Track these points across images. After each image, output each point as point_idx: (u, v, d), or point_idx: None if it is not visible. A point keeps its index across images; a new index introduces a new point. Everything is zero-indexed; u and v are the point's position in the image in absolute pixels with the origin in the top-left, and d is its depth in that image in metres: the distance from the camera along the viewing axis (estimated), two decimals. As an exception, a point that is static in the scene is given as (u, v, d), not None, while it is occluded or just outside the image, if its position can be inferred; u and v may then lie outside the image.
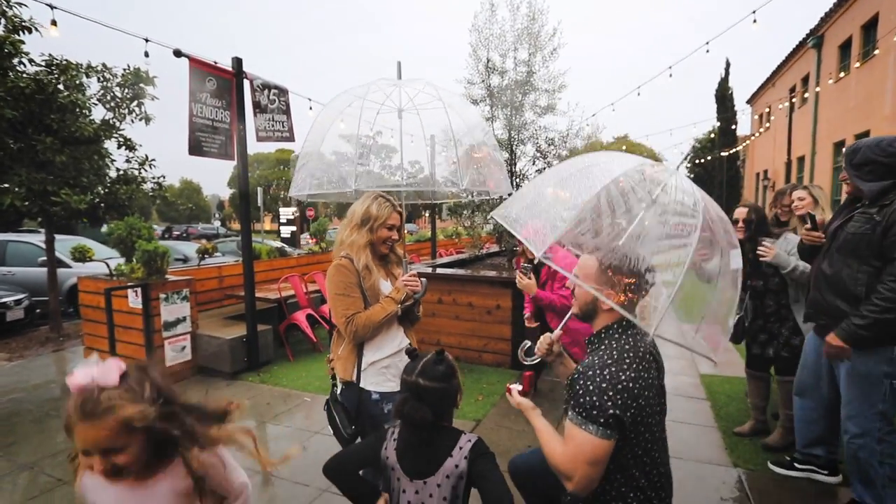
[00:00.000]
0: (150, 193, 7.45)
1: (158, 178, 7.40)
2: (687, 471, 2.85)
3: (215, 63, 4.45)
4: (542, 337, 1.71)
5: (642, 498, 1.32)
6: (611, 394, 1.24)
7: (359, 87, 2.16)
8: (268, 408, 3.97)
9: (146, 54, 4.32)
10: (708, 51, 6.32)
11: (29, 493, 2.76)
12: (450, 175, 2.72)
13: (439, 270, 5.51)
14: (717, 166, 23.09)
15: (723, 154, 21.57)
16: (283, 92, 5.25)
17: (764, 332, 3.06)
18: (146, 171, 7.28)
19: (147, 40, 4.12)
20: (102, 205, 6.86)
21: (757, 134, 21.31)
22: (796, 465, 2.72)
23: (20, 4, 5.79)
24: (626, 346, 1.34)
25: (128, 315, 4.51)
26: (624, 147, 30.64)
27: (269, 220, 44.52)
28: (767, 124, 18.61)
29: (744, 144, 23.40)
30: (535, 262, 3.11)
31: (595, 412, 1.24)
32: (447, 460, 1.30)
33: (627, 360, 1.30)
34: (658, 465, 1.35)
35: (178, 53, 4.05)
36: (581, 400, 1.28)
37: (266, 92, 5.08)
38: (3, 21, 5.73)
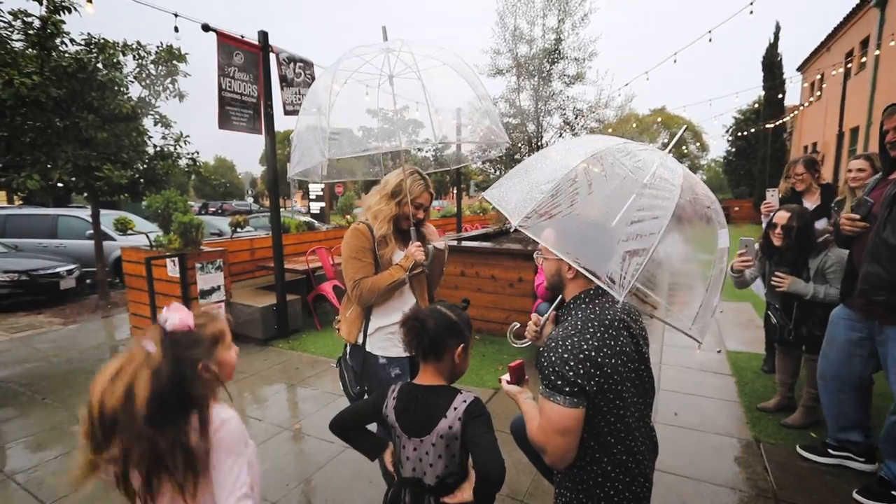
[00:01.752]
0: (186, 169, 7.72)
1: (193, 153, 7.65)
2: (705, 442, 2.84)
3: (242, 37, 4.51)
4: (531, 318, 1.70)
5: (617, 462, 1.32)
6: (572, 363, 1.24)
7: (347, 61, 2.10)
8: (297, 372, 4.16)
9: (176, 29, 4.42)
10: (752, 12, 5.90)
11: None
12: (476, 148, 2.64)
13: (462, 243, 5.53)
14: (761, 139, 21.80)
15: (768, 126, 20.31)
16: (308, 65, 5.28)
17: (800, 310, 2.95)
18: (181, 147, 7.53)
19: (176, 15, 4.20)
20: (142, 180, 7.18)
21: (807, 104, 19.92)
22: (831, 451, 2.56)
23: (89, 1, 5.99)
24: (591, 316, 1.33)
25: (167, 283, 4.77)
26: (660, 119, 29.28)
27: (301, 197, 45.40)
28: (819, 93, 17.34)
29: (792, 115, 21.94)
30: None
31: (560, 382, 1.25)
32: (441, 421, 1.29)
33: (591, 330, 1.29)
34: (633, 430, 1.33)
35: (206, 28, 4.13)
36: (546, 372, 1.29)
37: (292, 65, 5.13)
38: (44, 2, 5.95)
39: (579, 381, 1.24)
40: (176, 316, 1.18)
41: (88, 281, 8.14)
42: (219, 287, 4.94)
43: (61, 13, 6.04)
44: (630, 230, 1.25)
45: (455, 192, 12.41)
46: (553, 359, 1.27)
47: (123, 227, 5.58)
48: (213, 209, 31.08)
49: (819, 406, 2.74)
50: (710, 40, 6.49)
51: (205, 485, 1.12)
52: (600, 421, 1.30)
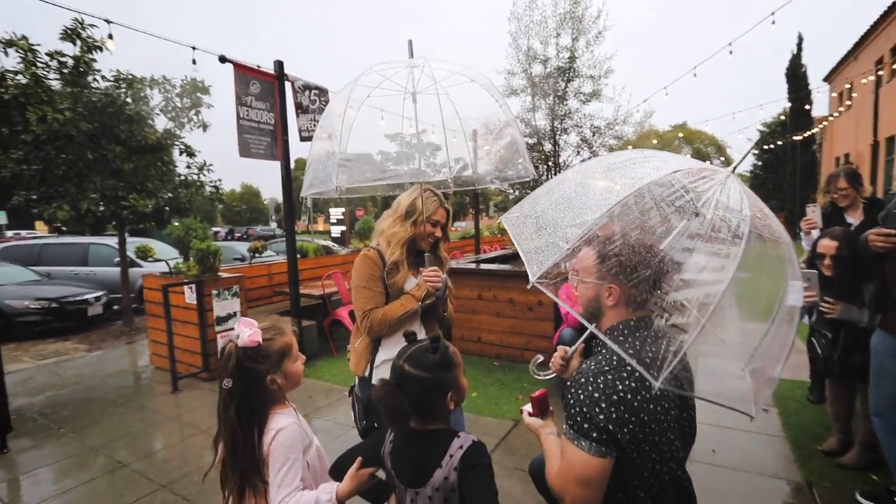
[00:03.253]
0: (209, 196, 7.91)
1: (216, 181, 7.84)
2: (750, 485, 2.57)
3: (258, 67, 4.61)
4: (557, 349, 1.56)
5: None
6: (603, 405, 1.07)
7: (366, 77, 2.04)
8: (310, 401, 4.06)
9: (193, 61, 4.56)
10: (774, 22, 5.72)
11: (92, 473, 2.97)
12: (493, 168, 2.51)
13: (475, 266, 5.40)
14: (788, 151, 21.14)
15: (795, 138, 19.69)
16: (323, 92, 5.36)
17: (849, 337, 2.67)
18: (204, 175, 7.74)
19: (194, 48, 4.33)
20: (167, 208, 7.38)
21: (836, 114, 19.25)
22: None
23: (92, 26, 6.33)
24: (631, 352, 1.13)
25: (184, 310, 4.79)
26: (681, 135, 28.82)
27: (323, 221, 46.30)
28: (849, 102, 16.75)
29: (821, 126, 21.25)
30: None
31: (587, 426, 1.08)
32: (436, 471, 1.16)
33: (629, 368, 1.11)
34: (668, 486, 1.16)
35: (223, 59, 4.23)
36: (572, 411, 1.12)
37: (307, 93, 5.21)
38: (78, 42, 6.28)
39: (610, 426, 1.07)
40: (246, 332, 1.29)
41: (116, 307, 8.33)
42: (235, 313, 4.93)
43: (93, 52, 6.35)
44: (681, 258, 1.11)
45: (473, 213, 12.35)
46: (581, 397, 1.11)
47: (144, 255, 5.70)
48: (239, 234, 31.91)
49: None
50: (731, 52, 6.33)
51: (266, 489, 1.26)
52: (631, 474, 1.13)
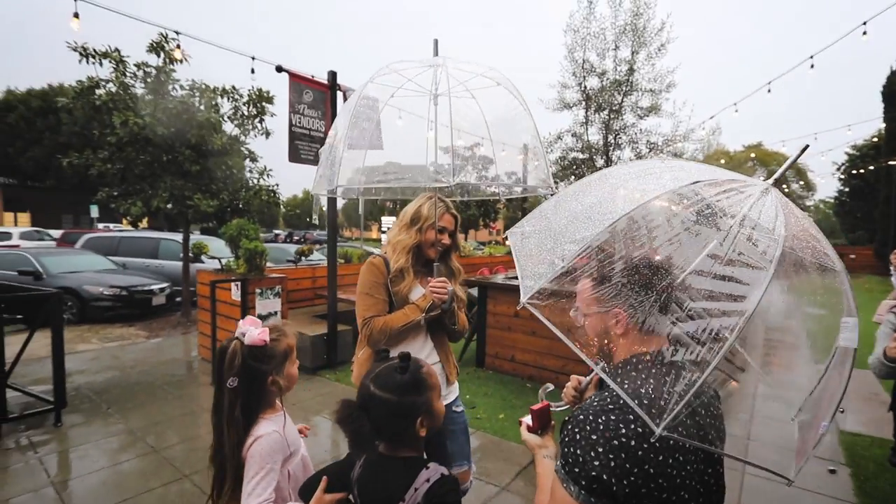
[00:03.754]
0: (266, 199, 8.33)
1: (273, 185, 8.26)
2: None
3: (312, 77, 4.79)
4: (570, 379, 1.40)
5: None
6: (601, 450, 0.90)
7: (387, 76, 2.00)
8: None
9: (252, 71, 4.83)
10: (865, 32, 5.15)
11: (127, 455, 3.13)
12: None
13: (513, 282, 5.23)
14: (882, 178, 18.98)
15: (892, 162, 17.66)
16: (373, 101, 5.47)
17: None
18: (264, 180, 8.18)
19: (253, 58, 4.59)
20: (229, 209, 7.86)
21: (944, 137, 17.07)
22: None
23: (174, 39, 6.92)
24: (642, 390, 0.96)
25: (230, 306, 5.01)
26: (754, 155, 26.81)
27: (377, 229, 47.68)
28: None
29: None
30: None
31: (577, 470, 0.91)
32: None
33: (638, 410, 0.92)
34: None
35: (279, 69, 4.44)
36: (565, 450, 0.95)
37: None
38: (161, 54, 6.89)
39: (604, 475, 0.89)
40: (254, 331, 1.29)
41: (178, 299, 8.94)
42: (276, 312, 5.08)
43: (173, 64, 6.94)
44: (695, 283, 0.94)
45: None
46: (577, 437, 0.94)
47: (199, 251, 6.05)
48: (297, 238, 33.53)
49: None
50: (812, 66, 5.77)
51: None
52: None
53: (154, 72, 6.77)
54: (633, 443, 0.90)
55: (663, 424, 0.82)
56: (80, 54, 6.33)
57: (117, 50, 6.60)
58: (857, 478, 2.90)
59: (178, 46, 5.14)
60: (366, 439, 1.07)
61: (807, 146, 1.17)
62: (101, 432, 3.46)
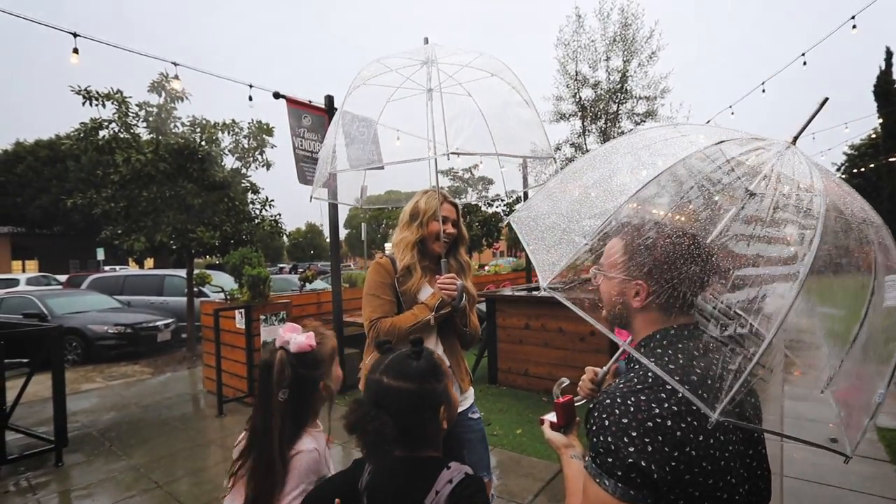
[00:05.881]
0: (268, 230, 8.34)
1: (275, 216, 8.29)
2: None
3: (309, 102, 4.85)
4: (585, 371, 1.31)
5: None
6: (634, 434, 0.80)
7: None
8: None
9: (250, 98, 4.90)
10: (854, 26, 5.19)
11: (129, 492, 2.99)
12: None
13: (525, 293, 5.13)
14: (883, 175, 18.94)
15: (892, 160, 17.64)
16: (371, 123, 5.52)
17: None
18: (266, 210, 8.22)
19: (251, 86, 4.66)
20: (232, 241, 7.86)
21: (941, 131, 17.09)
22: None
23: (175, 78, 7.09)
24: (672, 367, 0.86)
25: (234, 335, 4.92)
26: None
27: (380, 256, 47.68)
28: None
29: (922, 145, 18.91)
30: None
31: (610, 460, 0.81)
32: None
33: (668, 386, 0.82)
34: None
35: (276, 95, 4.50)
36: (594, 440, 0.85)
37: (356, 124, 5.39)
38: (163, 94, 7.05)
39: (642, 462, 0.79)
40: (300, 338, 1.20)
41: (184, 335, 8.85)
42: (281, 339, 4.98)
43: (175, 102, 7.09)
44: (736, 249, 0.87)
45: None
46: (606, 423, 0.84)
47: (202, 282, 6.01)
48: (301, 269, 33.60)
49: None
50: (805, 63, 5.80)
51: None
52: None
53: (156, 110, 6.90)
54: (669, 423, 0.80)
55: (720, 408, 0.72)
56: (84, 97, 6.46)
57: (119, 91, 6.76)
58: (905, 475, 2.71)
59: (177, 77, 5.24)
60: (386, 441, 0.94)
61: (826, 99, 1.11)
62: (103, 470, 3.32)
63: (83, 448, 3.74)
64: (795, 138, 0.96)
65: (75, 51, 4.20)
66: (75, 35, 4.25)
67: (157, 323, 8.16)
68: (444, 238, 1.78)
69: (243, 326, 4.80)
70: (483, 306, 5.19)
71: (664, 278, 0.89)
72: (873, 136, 20.85)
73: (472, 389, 1.93)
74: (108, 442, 3.86)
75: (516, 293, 5.26)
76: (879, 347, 0.95)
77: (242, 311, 4.77)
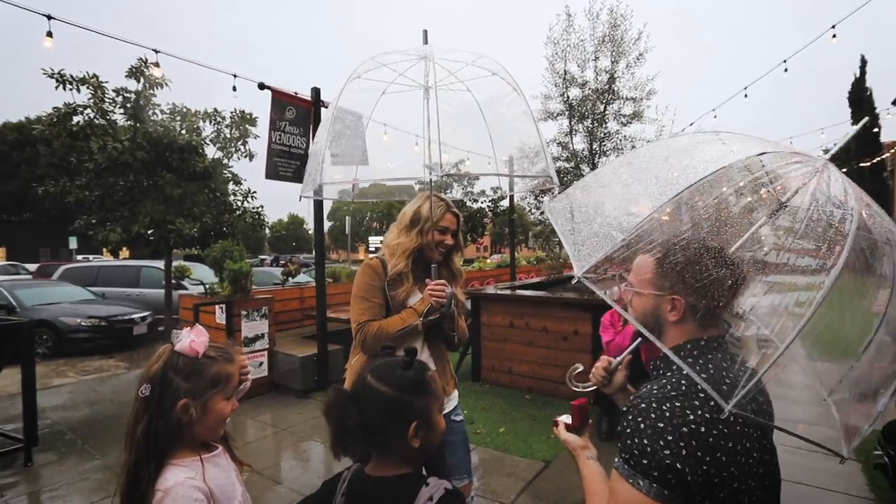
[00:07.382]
0: (250, 222, 8.17)
1: (258, 207, 8.12)
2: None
3: (296, 93, 4.75)
4: (599, 359, 1.33)
5: None
6: (669, 438, 0.84)
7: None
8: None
9: (234, 88, 4.77)
10: (835, 35, 5.33)
11: (102, 493, 2.91)
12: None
13: (509, 292, 5.16)
14: (855, 178, 19.57)
15: (863, 164, 18.26)
16: (359, 117, 5.44)
17: None
18: (248, 202, 8.04)
19: (235, 76, 4.54)
20: (212, 233, 7.68)
21: (910, 138, 17.74)
22: None
23: (155, 65, 6.85)
24: (704, 375, 0.92)
25: (215, 330, 4.82)
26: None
27: (364, 250, 47.43)
28: (924, 125, 15.40)
29: (892, 151, 19.62)
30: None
31: (645, 461, 0.85)
32: None
33: (702, 395, 0.88)
34: None
35: (261, 86, 4.40)
36: (628, 442, 0.89)
37: (345, 119, 5.31)
38: (142, 80, 6.81)
39: (678, 465, 0.84)
40: (188, 339, 1.09)
41: (161, 328, 8.64)
42: (263, 335, 4.91)
43: (154, 89, 6.86)
44: (767, 259, 0.92)
45: (509, 239, 12.14)
46: (642, 426, 0.89)
47: (181, 274, 5.86)
48: (283, 262, 33.14)
49: None
50: (786, 70, 5.94)
51: None
52: None
53: (134, 97, 6.67)
54: (702, 429, 0.85)
55: (734, 401, 0.77)
56: (57, 81, 6.19)
57: (95, 76, 6.49)
58: (869, 473, 2.82)
59: (157, 64, 5.07)
60: (349, 435, 0.94)
61: (867, 119, 1.20)
62: (75, 470, 3.22)
63: (54, 447, 3.62)
64: (831, 156, 1.00)
65: (49, 34, 4.01)
66: (49, 17, 4.06)
67: (133, 315, 7.95)
68: (441, 248, 1.76)
69: (224, 321, 4.71)
70: (468, 304, 5.20)
71: (701, 292, 0.92)
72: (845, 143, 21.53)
73: (456, 392, 1.92)
74: (80, 440, 3.75)
75: (499, 292, 5.28)
76: (887, 360, 0.99)
77: (223, 306, 4.68)
